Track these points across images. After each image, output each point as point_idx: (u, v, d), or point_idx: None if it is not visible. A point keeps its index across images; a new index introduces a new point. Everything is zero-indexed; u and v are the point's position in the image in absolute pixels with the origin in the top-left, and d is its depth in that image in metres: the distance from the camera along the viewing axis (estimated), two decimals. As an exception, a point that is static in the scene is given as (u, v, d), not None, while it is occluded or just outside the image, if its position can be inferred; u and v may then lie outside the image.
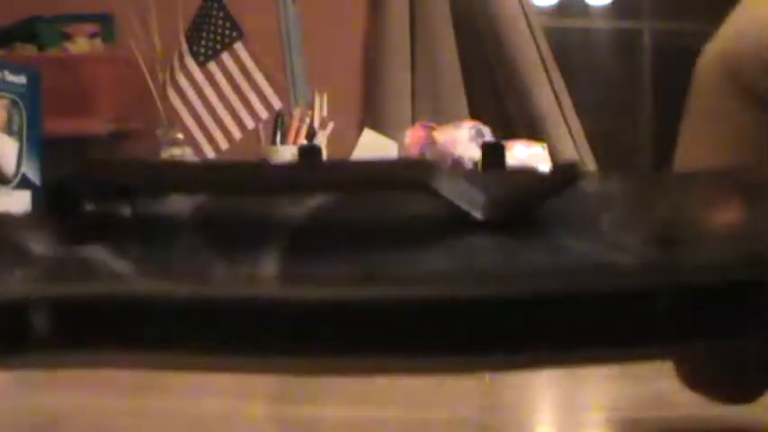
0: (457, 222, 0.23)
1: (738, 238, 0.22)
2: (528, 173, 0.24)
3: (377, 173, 0.23)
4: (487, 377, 0.36)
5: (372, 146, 1.53)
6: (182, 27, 1.62)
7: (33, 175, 1.27)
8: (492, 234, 0.23)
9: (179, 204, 0.23)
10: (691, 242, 0.22)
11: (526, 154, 1.45)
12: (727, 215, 0.23)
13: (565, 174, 0.23)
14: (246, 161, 0.23)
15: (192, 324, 0.23)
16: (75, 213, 0.23)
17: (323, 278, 0.22)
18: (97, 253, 0.23)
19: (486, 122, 1.50)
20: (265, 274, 0.22)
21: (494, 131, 1.48)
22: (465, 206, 0.23)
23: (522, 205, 0.23)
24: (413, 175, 0.23)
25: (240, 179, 0.23)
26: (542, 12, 2.57)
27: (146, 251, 0.23)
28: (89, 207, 0.23)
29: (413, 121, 2.05)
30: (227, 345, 0.23)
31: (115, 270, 0.22)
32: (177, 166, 0.23)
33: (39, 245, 0.23)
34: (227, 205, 0.23)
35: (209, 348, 0.23)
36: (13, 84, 1.26)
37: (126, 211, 0.23)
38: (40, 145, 1.28)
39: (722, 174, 0.25)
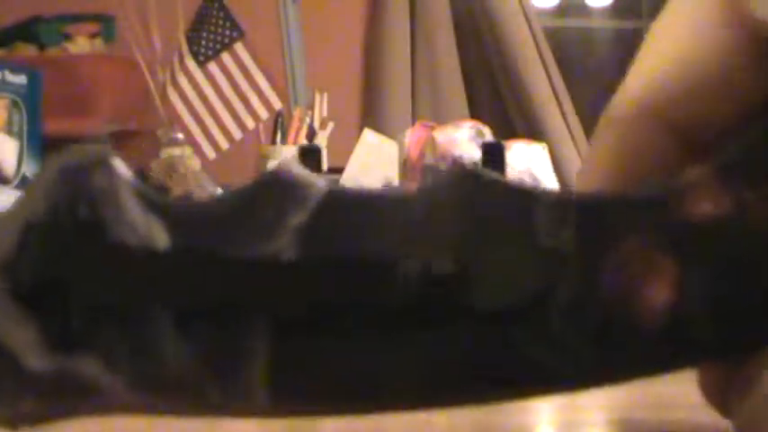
0: (419, 320, 0.22)
1: (665, 330, 0.22)
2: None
3: (330, 290, 0.22)
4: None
5: (372, 146, 1.53)
6: (182, 27, 1.62)
7: (33, 175, 1.27)
8: (451, 330, 0.22)
9: (158, 306, 0.22)
10: (622, 341, 0.22)
11: (526, 154, 1.45)
12: (659, 296, 0.22)
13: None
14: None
15: None
16: (61, 310, 0.22)
17: (307, 395, 0.22)
18: (89, 368, 0.22)
19: (486, 122, 1.50)
20: (255, 391, 0.22)
21: (494, 131, 1.48)
22: (426, 309, 0.22)
23: (493, 308, 0.23)
24: (369, 292, 0.22)
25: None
26: (542, 12, 2.57)
27: (136, 366, 0.22)
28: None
29: (413, 121, 2.05)
30: None
31: (107, 386, 0.22)
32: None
33: (31, 355, 0.22)
34: (206, 307, 0.22)
35: None
36: (13, 84, 1.26)
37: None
38: (40, 145, 1.28)
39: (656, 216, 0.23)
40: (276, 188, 0.22)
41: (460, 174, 0.23)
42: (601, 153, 0.27)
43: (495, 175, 0.23)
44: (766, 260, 0.23)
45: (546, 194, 0.23)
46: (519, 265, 0.22)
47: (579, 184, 0.27)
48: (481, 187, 0.23)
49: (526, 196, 0.23)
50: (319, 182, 0.23)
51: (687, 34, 0.26)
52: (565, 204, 0.23)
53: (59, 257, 0.22)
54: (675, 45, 0.26)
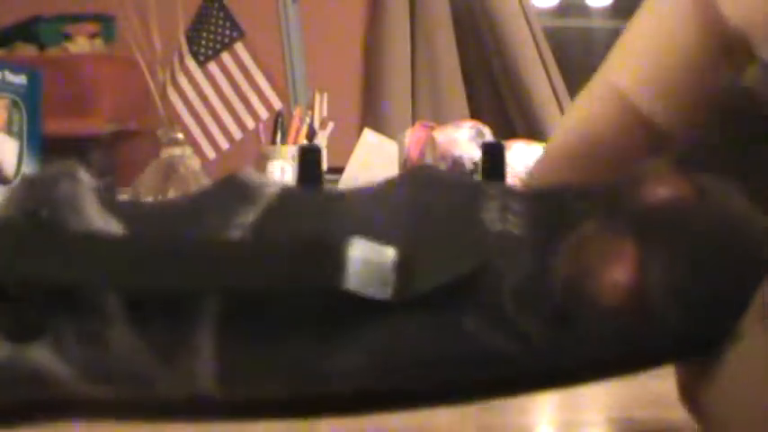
0: (365, 305, 0.22)
1: (627, 313, 0.22)
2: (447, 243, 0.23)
3: (277, 272, 0.23)
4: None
5: (372, 146, 1.53)
6: (182, 27, 1.62)
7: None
8: (399, 316, 0.22)
9: (107, 292, 0.23)
10: (581, 324, 0.22)
11: (526, 154, 1.45)
12: (619, 277, 0.22)
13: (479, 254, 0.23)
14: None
15: (133, 417, 0.24)
16: (18, 302, 0.23)
17: (254, 381, 0.23)
18: (43, 357, 0.23)
19: (486, 122, 1.50)
20: (204, 378, 0.22)
21: (494, 131, 1.48)
22: (372, 293, 0.22)
23: (435, 287, 0.23)
24: (316, 273, 0.22)
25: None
26: (542, 12, 2.57)
27: (86, 354, 0.23)
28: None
29: (413, 121, 2.05)
30: None
31: (60, 377, 0.23)
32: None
33: None
34: (155, 293, 0.23)
35: None
36: (13, 84, 1.26)
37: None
38: (40, 145, 1.28)
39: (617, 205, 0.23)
40: (230, 189, 0.24)
41: (409, 169, 0.24)
42: (573, 119, 0.27)
43: (441, 169, 0.24)
44: (724, 246, 0.23)
45: (495, 184, 0.24)
46: (463, 250, 0.23)
47: (545, 149, 0.28)
48: (426, 179, 0.24)
49: (473, 186, 0.24)
50: (272, 184, 0.24)
51: (662, 30, 0.26)
52: (514, 192, 0.23)
53: (20, 252, 0.23)
54: (651, 41, 0.26)
